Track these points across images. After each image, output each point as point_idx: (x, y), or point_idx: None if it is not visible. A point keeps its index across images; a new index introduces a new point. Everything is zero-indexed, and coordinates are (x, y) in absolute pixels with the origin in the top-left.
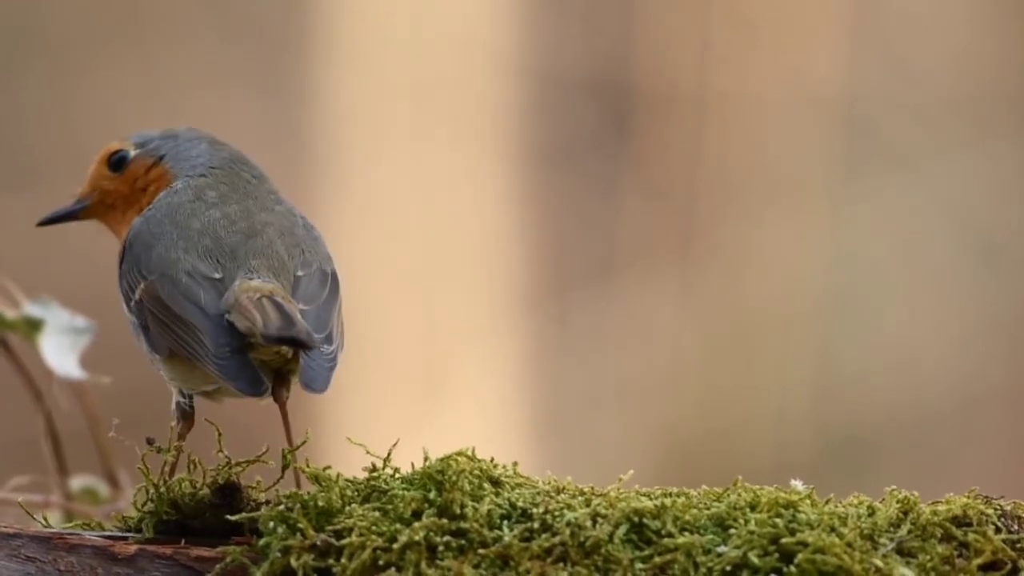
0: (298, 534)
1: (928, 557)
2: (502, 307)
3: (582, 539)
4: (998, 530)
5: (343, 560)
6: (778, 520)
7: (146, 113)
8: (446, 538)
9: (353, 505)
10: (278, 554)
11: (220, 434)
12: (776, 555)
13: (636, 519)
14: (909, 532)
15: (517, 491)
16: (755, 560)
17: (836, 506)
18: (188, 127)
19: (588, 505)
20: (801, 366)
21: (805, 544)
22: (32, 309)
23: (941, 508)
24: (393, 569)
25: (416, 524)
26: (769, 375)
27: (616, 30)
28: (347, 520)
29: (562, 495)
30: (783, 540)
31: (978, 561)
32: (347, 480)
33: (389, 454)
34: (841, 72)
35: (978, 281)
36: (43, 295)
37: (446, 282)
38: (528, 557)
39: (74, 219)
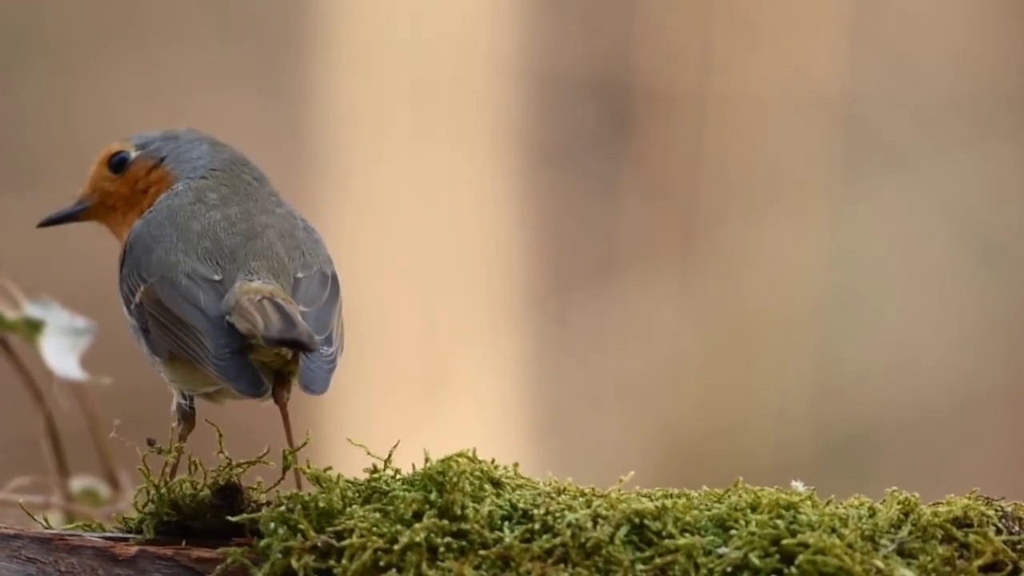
0: (299, 535)
1: (929, 558)
2: (502, 307)
3: (583, 540)
4: (999, 531)
5: (344, 561)
6: (779, 521)
7: (146, 113)
8: (447, 539)
9: (354, 506)
10: (279, 555)
11: (221, 435)
12: (777, 556)
13: (637, 520)
14: (910, 533)
15: (518, 492)
16: (756, 561)
17: (837, 507)
18: (189, 128)
19: (589, 506)
20: (801, 366)
21: (806, 545)
22: (32, 310)
23: (942, 509)
24: (394, 570)
25: (417, 525)
26: (769, 375)
27: (616, 30)
28: (348, 521)
29: (563, 496)
30: (784, 541)
31: (979, 562)
32: (348, 481)
33: (390, 455)
34: (841, 72)
35: (978, 281)
36: (43, 296)
37: (446, 282)
38: (529, 558)
39: (75, 220)
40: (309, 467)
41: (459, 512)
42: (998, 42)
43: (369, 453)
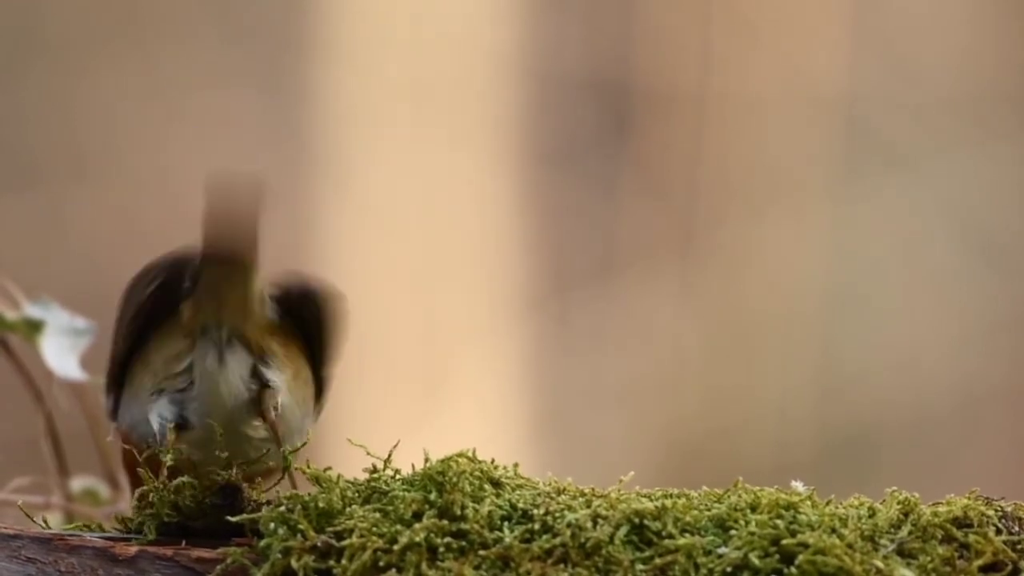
0: (299, 535)
1: (929, 558)
2: (502, 307)
3: (583, 540)
4: (999, 531)
5: (344, 561)
6: (779, 521)
7: (146, 113)
8: (447, 539)
9: (354, 506)
10: (279, 555)
11: (220, 435)
12: (777, 556)
13: (637, 520)
14: (910, 533)
15: (518, 492)
16: (756, 561)
17: (837, 507)
18: None
19: (589, 506)
20: (801, 366)
21: (806, 545)
22: (32, 310)
23: (942, 509)
24: (394, 570)
25: (417, 525)
26: (769, 375)
27: (616, 30)
28: (348, 521)
29: (563, 496)
30: (784, 541)
31: (979, 562)
32: (348, 481)
33: (390, 455)
34: (841, 72)
35: (979, 281)
36: (43, 296)
37: (446, 282)
38: (529, 558)
39: None
40: (309, 467)
41: (459, 512)
42: (998, 42)
43: (369, 453)
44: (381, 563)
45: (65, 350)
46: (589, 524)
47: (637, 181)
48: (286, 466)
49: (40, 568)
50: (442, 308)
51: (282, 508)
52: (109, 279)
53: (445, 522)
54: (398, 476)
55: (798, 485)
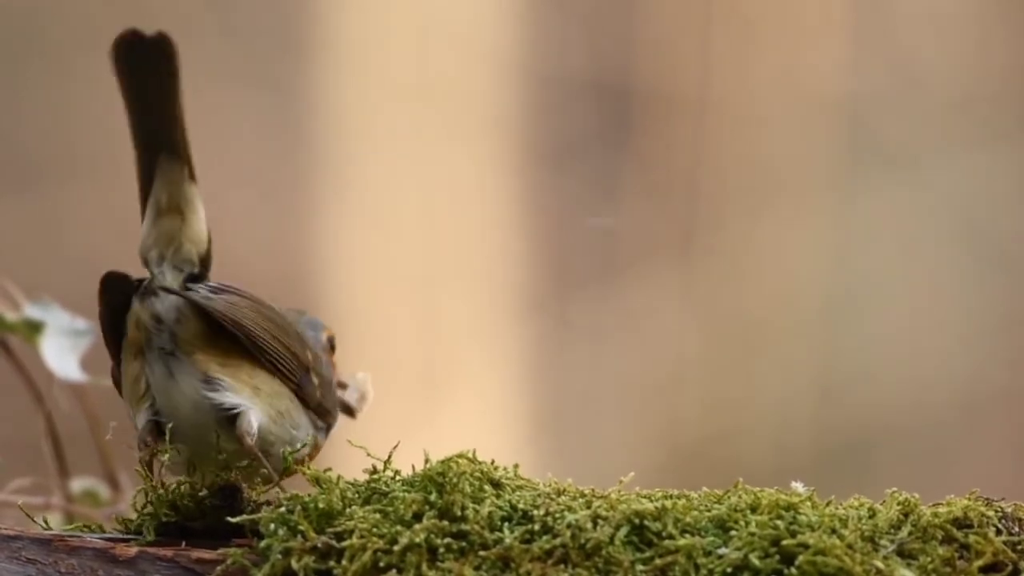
0: (299, 536)
1: (929, 559)
2: (503, 308)
3: (583, 541)
4: (999, 532)
5: (344, 562)
6: (779, 522)
7: None
8: (447, 540)
9: (354, 507)
10: (279, 556)
11: (219, 436)
12: (777, 557)
13: (637, 521)
14: (910, 534)
15: (518, 493)
16: (756, 562)
17: (837, 508)
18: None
19: (589, 507)
20: (802, 368)
21: (806, 546)
22: (32, 311)
23: (942, 510)
24: (394, 571)
25: (417, 526)
26: (770, 376)
27: (617, 31)
28: (348, 522)
29: (563, 497)
30: (784, 542)
31: (979, 563)
32: (348, 482)
33: (390, 456)
34: (843, 72)
35: (981, 283)
36: (43, 296)
37: (446, 282)
38: (529, 559)
39: None
40: (309, 468)
41: (459, 513)
42: (999, 42)
43: (369, 454)
44: (381, 564)
45: (65, 351)
46: (589, 525)
47: (638, 182)
48: (286, 467)
49: (40, 569)
50: (442, 308)
51: (282, 509)
52: None
53: (445, 523)
54: (398, 477)
55: (798, 486)
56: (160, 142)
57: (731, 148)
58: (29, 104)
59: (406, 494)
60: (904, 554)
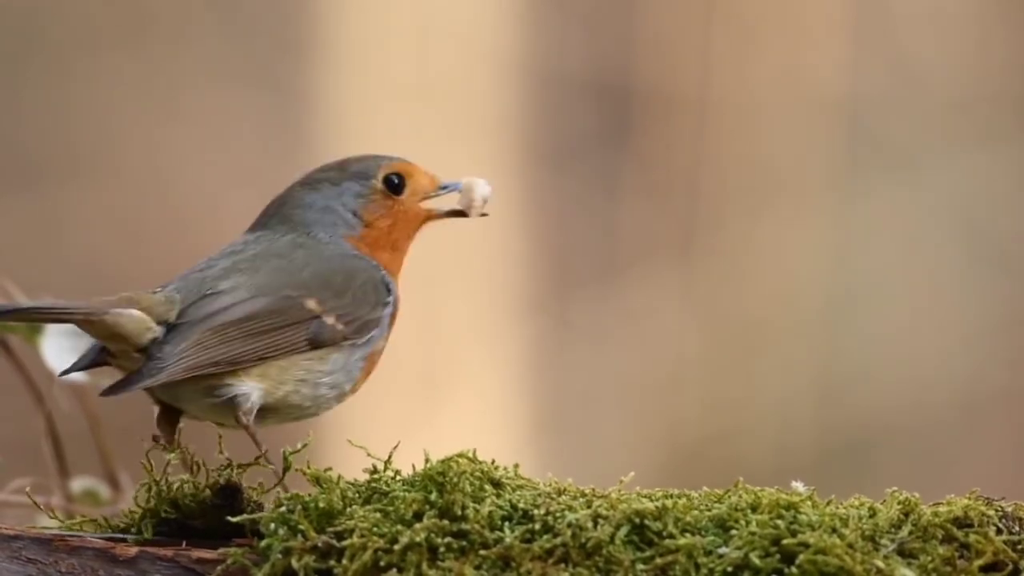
0: (299, 536)
1: (929, 558)
2: (503, 308)
3: (583, 540)
4: (999, 531)
5: (344, 561)
6: (779, 521)
7: (145, 113)
8: (447, 539)
9: (354, 507)
10: (279, 555)
11: (221, 435)
12: (777, 556)
13: (637, 520)
14: (910, 533)
15: (518, 492)
16: (756, 561)
17: (837, 507)
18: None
19: (589, 506)
20: (802, 367)
21: (806, 545)
22: None
23: (942, 509)
24: (394, 570)
25: (417, 525)
26: (770, 376)
27: (618, 31)
28: (348, 521)
29: (563, 496)
30: (784, 541)
31: (979, 562)
32: (348, 482)
33: (390, 456)
34: (843, 73)
35: (981, 283)
36: (43, 296)
37: (447, 282)
38: (529, 558)
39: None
40: (309, 468)
41: (459, 512)
42: (999, 43)
43: (369, 454)
44: (382, 563)
45: (65, 351)
46: (590, 524)
47: (638, 182)
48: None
49: (41, 569)
50: (443, 308)
51: (282, 508)
52: (109, 279)
53: (446, 522)
54: (398, 477)
55: (798, 485)
56: None
57: (731, 148)
58: (29, 104)
59: (406, 494)
60: (904, 553)
